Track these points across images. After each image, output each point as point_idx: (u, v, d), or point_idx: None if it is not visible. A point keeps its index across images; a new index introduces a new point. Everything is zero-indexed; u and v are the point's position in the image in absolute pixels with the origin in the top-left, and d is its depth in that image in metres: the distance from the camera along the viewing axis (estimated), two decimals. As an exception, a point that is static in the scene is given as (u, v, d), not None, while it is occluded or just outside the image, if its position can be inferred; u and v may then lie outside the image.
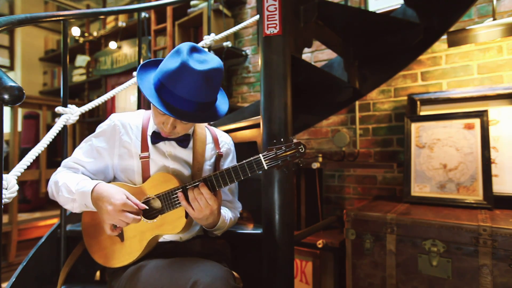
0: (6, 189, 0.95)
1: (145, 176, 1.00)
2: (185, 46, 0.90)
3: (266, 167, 0.90)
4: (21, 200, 3.01)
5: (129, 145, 1.02)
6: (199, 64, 0.88)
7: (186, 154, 1.06)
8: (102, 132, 1.04)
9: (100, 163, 1.03)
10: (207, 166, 1.09)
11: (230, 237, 1.18)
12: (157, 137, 1.03)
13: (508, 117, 1.62)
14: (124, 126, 1.04)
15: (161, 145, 1.04)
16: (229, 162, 1.17)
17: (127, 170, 1.02)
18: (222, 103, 1.03)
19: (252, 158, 0.91)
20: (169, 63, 0.89)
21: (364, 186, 2.14)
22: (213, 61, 0.90)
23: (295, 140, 0.90)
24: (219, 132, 1.20)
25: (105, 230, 0.92)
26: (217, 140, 1.15)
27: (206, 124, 1.18)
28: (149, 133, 1.04)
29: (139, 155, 1.01)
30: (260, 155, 0.90)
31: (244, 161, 0.92)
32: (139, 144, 1.02)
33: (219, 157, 1.13)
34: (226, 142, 1.18)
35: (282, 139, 0.92)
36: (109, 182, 1.04)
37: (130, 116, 1.07)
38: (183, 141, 1.05)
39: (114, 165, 1.04)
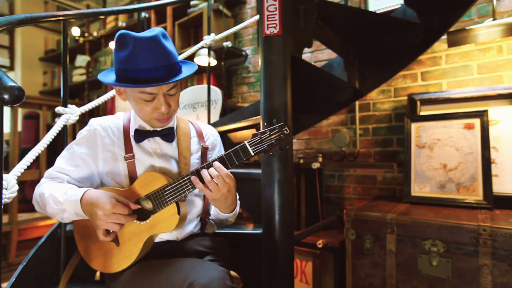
0: (6, 189, 0.95)
1: (132, 177, 0.99)
2: (124, 31, 0.92)
3: (253, 153, 0.89)
4: (21, 200, 3.00)
5: (112, 147, 1.01)
6: (148, 32, 0.91)
7: (171, 150, 1.05)
8: (83, 138, 1.02)
9: (85, 170, 1.01)
10: (195, 160, 1.08)
11: (230, 237, 1.18)
12: (140, 135, 1.01)
13: (508, 117, 1.62)
14: (105, 129, 1.02)
15: (145, 143, 1.03)
16: (216, 153, 1.16)
17: (114, 173, 1.01)
18: (189, 64, 1.04)
19: (237, 145, 0.90)
20: (121, 51, 0.91)
21: (364, 186, 2.14)
22: (157, 28, 0.94)
23: (279, 124, 0.89)
24: (203, 125, 1.19)
25: (99, 237, 0.91)
26: (201, 134, 1.14)
27: (189, 119, 1.18)
28: (132, 133, 1.03)
29: (124, 156, 1.00)
30: (245, 141, 0.90)
31: (230, 150, 0.91)
32: (122, 146, 1.01)
33: (205, 150, 1.11)
34: (212, 134, 1.17)
35: (265, 124, 0.91)
36: (97, 188, 1.02)
37: (109, 119, 1.06)
38: (168, 135, 1.04)
39: (99, 170, 1.02)
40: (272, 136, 0.89)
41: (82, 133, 1.03)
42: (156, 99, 0.94)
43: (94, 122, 1.04)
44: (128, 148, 1.01)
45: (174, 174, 1.03)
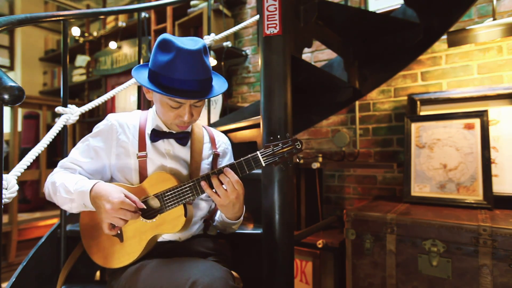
0: (6, 189, 0.94)
1: (142, 175, 1.00)
2: (169, 36, 0.93)
3: (263, 164, 0.91)
4: (21, 200, 3.01)
5: (126, 144, 1.02)
6: (192, 44, 0.92)
7: (184, 152, 1.07)
8: (99, 132, 1.04)
9: (98, 163, 1.03)
10: (205, 165, 1.10)
11: (230, 237, 1.18)
12: (156, 135, 1.03)
13: (508, 117, 1.62)
14: (121, 125, 1.04)
15: (159, 143, 1.04)
16: (227, 161, 1.18)
17: (124, 170, 1.02)
18: (219, 79, 1.06)
19: (249, 155, 0.92)
20: (161, 55, 0.92)
21: (364, 186, 2.14)
22: (199, 40, 0.96)
23: (292, 137, 0.91)
24: (216, 132, 1.21)
25: (104, 229, 0.92)
26: (214, 140, 1.16)
27: (203, 124, 1.20)
28: (148, 131, 1.04)
29: (137, 154, 1.01)
30: (258, 152, 0.91)
31: (242, 158, 0.92)
32: (136, 144, 1.03)
33: (216, 157, 1.13)
34: (224, 142, 1.19)
35: (279, 136, 0.93)
36: (107, 182, 1.04)
37: (127, 116, 1.07)
38: (182, 139, 1.05)
39: (111, 165, 1.04)
40: (285, 149, 0.90)
41: (99, 127, 1.05)
42: (182, 107, 0.97)
43: (111, 117, 1.05)
44: (142, 147, 1.02)
45: (184, 176, 1.05)
